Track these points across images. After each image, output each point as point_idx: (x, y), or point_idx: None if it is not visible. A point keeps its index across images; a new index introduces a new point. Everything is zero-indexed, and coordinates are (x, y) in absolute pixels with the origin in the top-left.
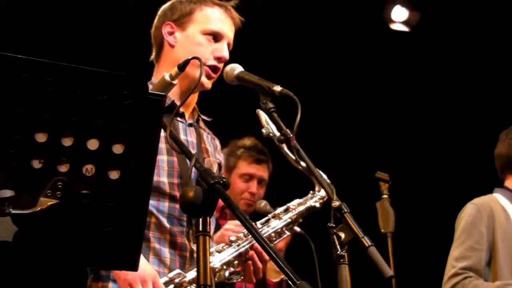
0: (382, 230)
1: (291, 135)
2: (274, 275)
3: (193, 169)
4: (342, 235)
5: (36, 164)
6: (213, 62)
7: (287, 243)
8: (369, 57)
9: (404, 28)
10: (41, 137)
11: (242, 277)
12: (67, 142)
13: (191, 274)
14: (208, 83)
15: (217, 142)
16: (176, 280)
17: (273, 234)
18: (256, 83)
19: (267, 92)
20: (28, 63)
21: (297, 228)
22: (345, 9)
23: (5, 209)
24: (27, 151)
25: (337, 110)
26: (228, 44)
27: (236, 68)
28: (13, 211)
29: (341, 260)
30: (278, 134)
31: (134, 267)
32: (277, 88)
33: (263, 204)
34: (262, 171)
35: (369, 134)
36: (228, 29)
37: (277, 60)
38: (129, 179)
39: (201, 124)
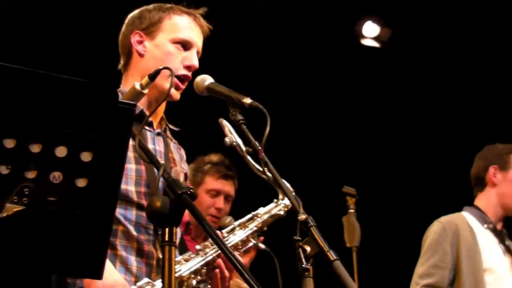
0: (348, 245)
1: (260, 148)
2: None
3: (161, 179)
4: (308, 248)
5: (4, 169)
6: (183, 72)
7: (251, 259)
8: (339, 72)
9: (375, 44)
10: (9, 143)
11: (209, 286)
12: (35, 148)
13: (160, 283)
14: (176, 94)
15: (183, 152)
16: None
17: (239, 243)
18: (226, 95)
19: (236, 104)
20: None
21: (261, 245)
22: (316, 23)
23: None
24: None
25: (306, 124)
26: (197, 52)
27: (207, 79)
28: None
29: (306, 273)
30: (241, 143)
31: (99, 275)
32: (247, 100)
33: (228, 220)
34: (229, 187)
35: (337, 148)
36: (197, 37)
37: (248, 74)
38: (97, 187)
39: (168, 133)
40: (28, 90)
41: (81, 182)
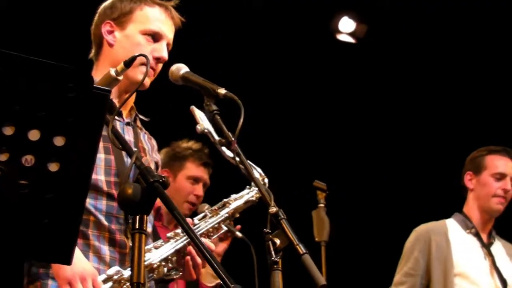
0: (316, 239)
1: (233, 139)
2: (210, 279)
3: (132, 167)
4: (277, 241)
5: None
6: (151, 63)
7: (225, 248)
8: (314, 67)
9: (351, 40)
10: None
11: (181, 273)
12: (8, 131)
13: (129, 271)
14: (147, 83)
15: (154, 142)
16: (115, 277)
17: (210, 229)
18: (201, 85)
19: (211, 94)
20: None
21: (238, 233)
22: (293, 18)
23: None
24: None
25: (278, 118)
26: (168, 44)
27: (182, 68)
28: None
29: (275, 266)
30: (212, 130)
31: (68, 260)
32: (222, 90)
33: (206, 207)
34: (207, 175)
35: (309, 142)
36: (168, 29)
37: (224, 65)
38: (69, 172)
39: (138, 123)
40: (2, 72)
41: (53, 167)
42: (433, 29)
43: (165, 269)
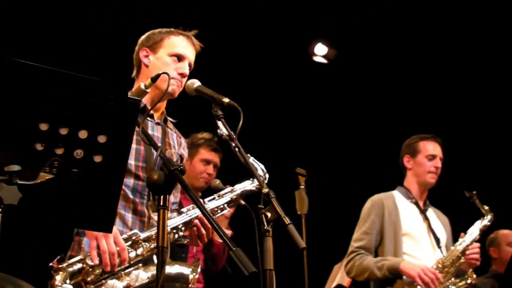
0: (298, 212)
1: (234, 137)
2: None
3: (158, 158)
4: (269, 214)
5: (39, 147)
6: (176, 77)
7: (231, 213)
8: (295, 82)
9: (324, 61)
10: (43, 126)
11: (188, 240)
12: (64, 131)
13: (145, 234)
14: (175, 92)
15: (182, 140)
16: (133, 238)
17: (215, 209)
18: (210, 95)
19: (218, 102)
20: (36, 69)
21: (242, 201)
22: (277, 43)
23: (13, 180)
24: (32, 136)
25: (270, 122)
26: (190, 64)
27: (195, 83)
28: (19, 182)
29: (267, 234)
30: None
31: (109, 229)
32: (226, 99)
33: (218, 182)
34: (217, 158)
35: (293, 138)
36: (189, 52)
37: (222, 82)
38: (109, 162)
39: (170, 125)
40: (61, 86)
41: (98, 158)
42: (387, 52)
43: (176, 235)
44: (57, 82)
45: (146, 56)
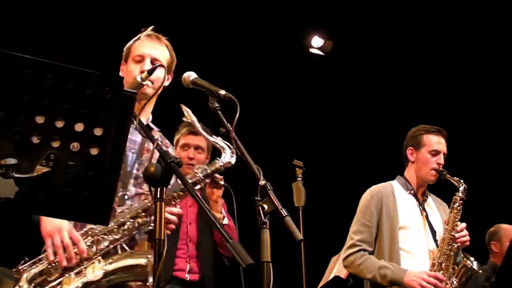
0: (296, 204)
1: (231, 129)
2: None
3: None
4: (266, 206)
5: (35, 139)
6: (139, 75)
7: (219, 195)
8: (291, 74)
9: (320, 53)
10: (40, 119)
11: (152, 227)
12: (60, 124)
13: (101, 227)
14: (146, 89)
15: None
16: (89, 233)
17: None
18: (207, 87)
19: (214, 94)
20: (32, 62)
21: (222, 182)
22: (276, 36)
23: (9, 173)
24: (28, 129)
25: (267, 114)
26: (154, 59)
27: (192, 75)
28: (16, 175)
29: (264, 226)
30: (195, 120)
31: (105, 221)
32: (222, 92)
33: (199, 169)
34: (198, 140)
35: (290, 131)
36: (149, 49)
37: (221, 74)
38: (106, 154)
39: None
40: (55, 79)
41: (94, 151)
42: (384, 44)
43: (136, 224)
44: (53, 74)
45: (124, 65)
